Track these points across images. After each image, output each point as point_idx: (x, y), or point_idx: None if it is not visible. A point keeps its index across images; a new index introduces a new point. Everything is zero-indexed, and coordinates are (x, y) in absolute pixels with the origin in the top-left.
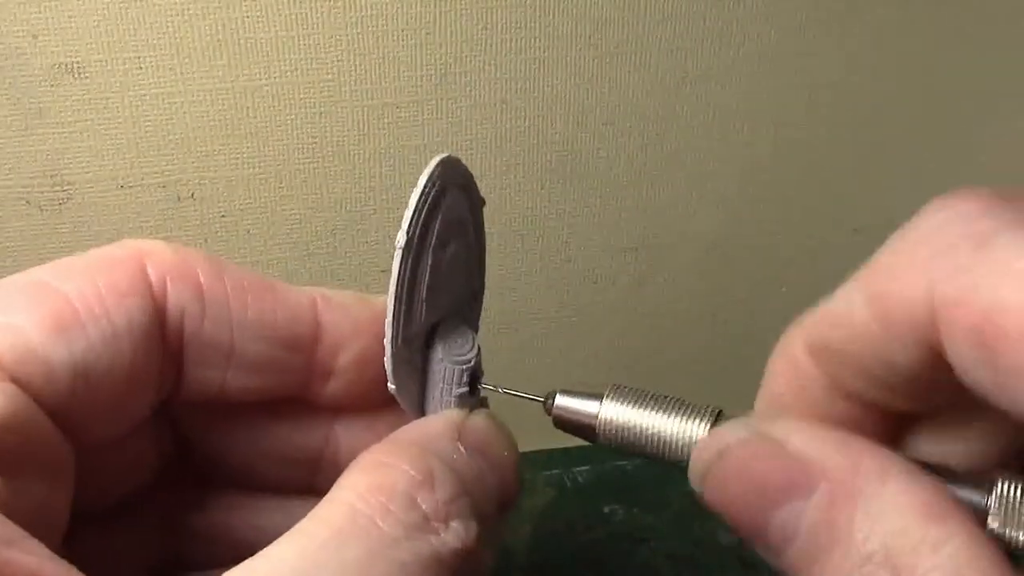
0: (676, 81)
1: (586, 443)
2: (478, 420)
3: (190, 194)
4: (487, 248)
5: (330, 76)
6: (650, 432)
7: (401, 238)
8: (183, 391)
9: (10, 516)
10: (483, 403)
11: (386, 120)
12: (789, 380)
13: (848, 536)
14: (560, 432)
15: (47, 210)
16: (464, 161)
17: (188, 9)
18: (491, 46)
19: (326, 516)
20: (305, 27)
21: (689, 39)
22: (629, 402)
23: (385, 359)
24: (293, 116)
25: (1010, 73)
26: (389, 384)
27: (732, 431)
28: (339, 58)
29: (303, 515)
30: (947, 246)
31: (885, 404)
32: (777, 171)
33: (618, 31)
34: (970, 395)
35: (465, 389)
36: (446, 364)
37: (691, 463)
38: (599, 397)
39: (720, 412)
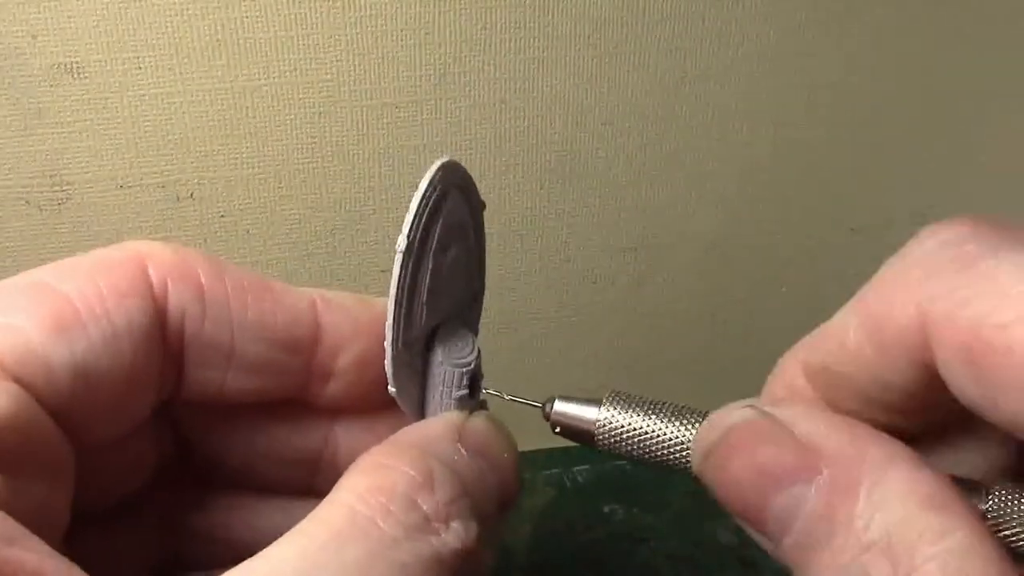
0: (675, 81)
1: None
2: (478, 422)
3: (189, 194)
4: (487, 250)
5: (329, 76)
6: (648, 438)
7: (402, 242)
8: (183, 392)
9: (11, 515)
10: (482, 405)
11: (385, 120)
12: (787, 402)
13: (848, 523)
14: None
15: (47, 210)
16: (463, 161)
17: (187, 9)
18: (490, 46)
19: (326, 517)
20: (304, 27)
21: (688, 39)
22: (627, 408)
23: (385, 362)
24: (292, 116)
25: (1009, 73)
26: (389, 387)
27: (738, 411)
28: (338, 58)
29: (303, 516)
30: (936, 269)
31: (882, 424)
32: (776, 171)
33: (617, 31)
34: (965, 412)
35: (465, 391)
36: (446, 367)
37: (695, 441)
38: (597, 403)
39: None
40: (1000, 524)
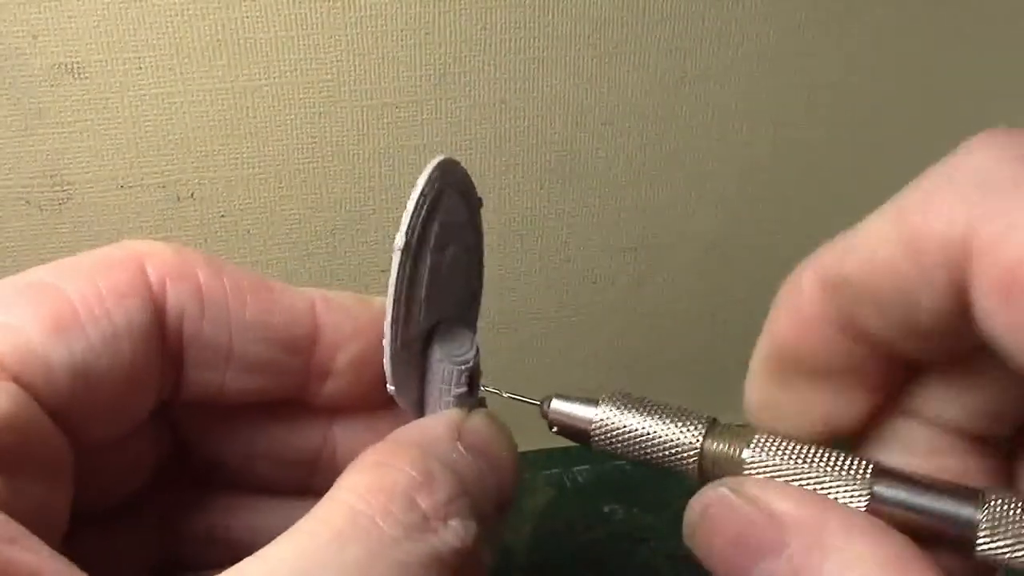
0: (675, 81)
1: None
2: (477, 420)
3: (190, 194)
4: (485, 249)
5: (330, 76)
6: (644, 438)
7: (400, 241)
8: (182, 392)
9: (10, 515)
10: (481, 403)
11: (385, 120)
12: (795, 318)
13: None
14: None
15: (47, 210)
16: (463, 161)
17: (188, 9)
18: (490, 46)
19: (325, 516)
20: (305, 27)
21: (688, 39)
22: (624, 408)
23: (384, 361)
24: (293, 116)
25: (1009, 73)
26: (388, 385)
27: (713, 490)
28: (339, 58)
29: (301, 516)
30: (990, 185)
31: (898, 349)
32: (776, 171)
33: (617, 31)
34: (985, 350)
35: (464, 389)
36: (445, 365)
37: (683, 521)
38: (595, 402)
39: (714, 420)
40: (996, 536)
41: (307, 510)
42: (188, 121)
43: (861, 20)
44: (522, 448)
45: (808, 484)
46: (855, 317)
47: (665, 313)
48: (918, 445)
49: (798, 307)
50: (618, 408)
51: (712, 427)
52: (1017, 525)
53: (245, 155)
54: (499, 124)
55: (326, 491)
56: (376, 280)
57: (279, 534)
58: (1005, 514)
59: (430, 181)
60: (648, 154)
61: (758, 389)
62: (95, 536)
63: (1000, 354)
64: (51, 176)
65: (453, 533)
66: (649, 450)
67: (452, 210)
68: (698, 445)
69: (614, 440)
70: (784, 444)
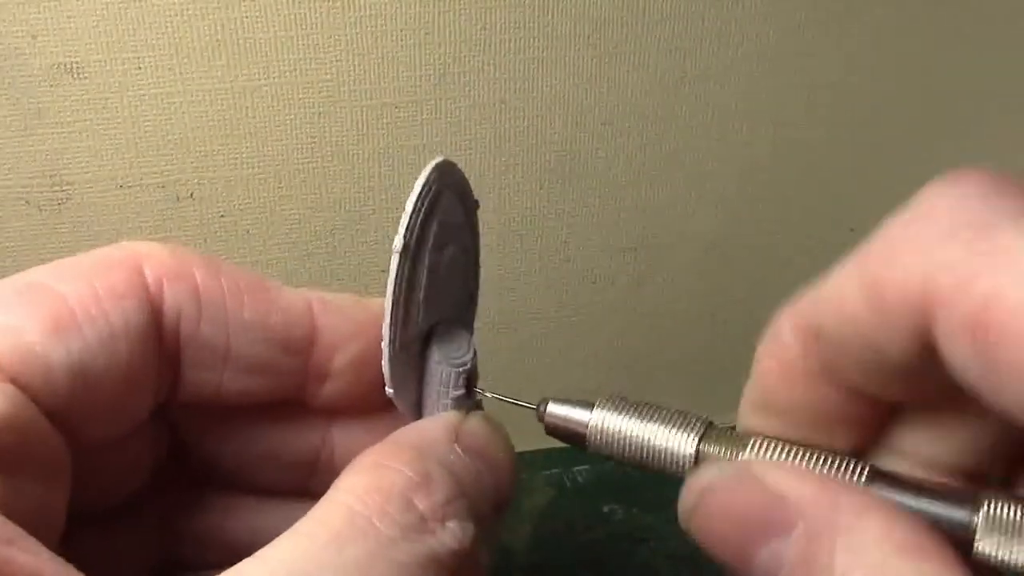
0: (675, 81)
1: None
2: (475, 422)
3: (189, 194)
4: (482, 249)
5: (329, 76)
6: (639, 441)
7: (398, 243)
8: (180, 393)
9: (8, 516)
10: (478, 404)
11: (385, 120)
12: (777, 365)
13: (828, 572)
14: None
15: (46, 210)
16: (463, 161)
17: (187, 9)
18: (490, 46)
19: (324, 517)
20: (304, 27)
21: (688, 39)
22: (620, 411)
23: (382, 362)
24: (292, 116)
25: (1009, 73)
26: (387, 387)
27: (714, 470)
28: (338, 58)
29: (300, 517)
30: (947, 233)
31: (874, 393)
32: (776, 171)
33: (617, 31)
34: (960, 390)
35: (462, 391)
36: (443, 367)
37: (679, 504)
38: (591, 406)
39: (710, 423)
40: (993, 539)
41: (306, 511)
42: (188, 121)
43: (861, 20)
44: (522, 448)
45: None
46: (831, 365)
47: (665, 313)
48: None
49: (780, 355)
50: (613, 411)
51: (708, 431)
52: (1014, 527)
53: (245, 155)
54: (499, 124)
55: (324, 492)
56: (376, 280)
57: (278, 535)
58: (1001, 516)
59: (428, 183)
60: (648, 154)
61: (747, 427)
62: (94, 537)
63: (975, 394)
64: (51, 176)
65: (450, 534)
66: (644, 454)
67: (450, 212)
68: (693, 449)
69: (609, 444)
70: (780, 447)
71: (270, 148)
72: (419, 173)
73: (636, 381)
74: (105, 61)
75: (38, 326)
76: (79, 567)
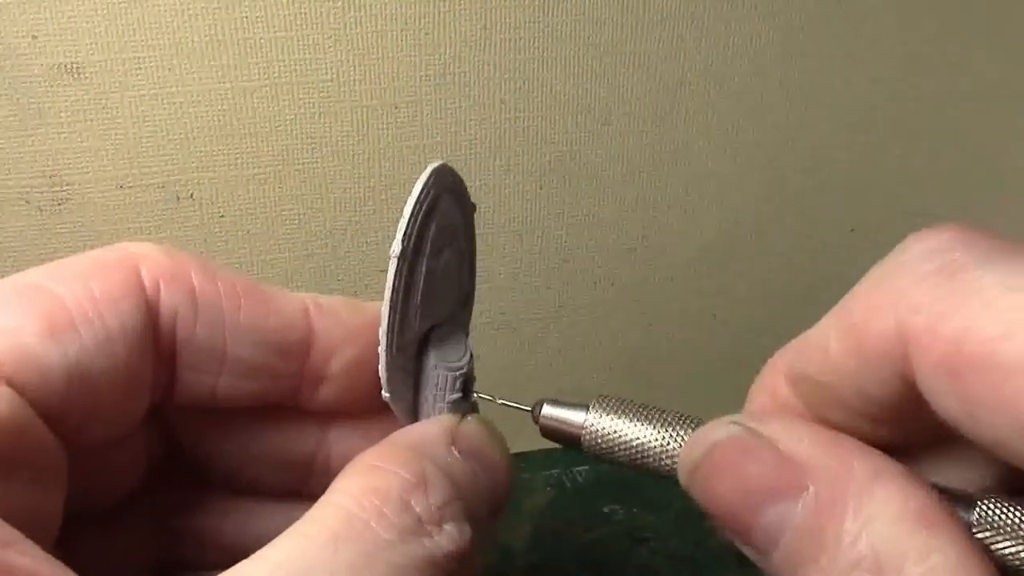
0: (675, 81)
1: None
2: (472, 425)
3: (189, 194)
4: (480, 251)
5: (330, 76)
6: (634, 443)
7: (396, 247)
8: (176, 395)
9: (4, 518)
10: (473, 407)
11: (385, 120)
12: (769, 408)
13: (836, 540)
14: None
15: (46, 210)
16: (462, 161)
17: (188, 9)
18: (490, 46)
19: (321, 519)
20: (304, 27)
21: (688, 39)
22: (614, 412)
23: (380, 367)
24: (293, 116)
25: (1009, 73)
26: (384, 392)
27: (722, 427)
28: (339, 58)
29: (297, 519)
30: (920, 278)
31: (865, 436)
32: (776, 171)
33: (617, 31)
34: (948, 427)
35: (458, 395)
36: (440, 371)
37: (680, 458)
38: (586, 407)
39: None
40: (988, 537)
41: (303, 513)
42: (188, 121)
43: (861, 20)
44: (522, 448)
45: None
46: (821, 410)
47: (665, 313)
48: None
49: (771, 399)
50: (608, 413)
51: None
52: (1009, 528)
53: (245, 155)
54: (499, 124)
55: (321, 495)
56: (376, 280)
57: (276, 537)
58: (996, 517)
59: (426, 188)
60: (648, 154)
61: None
62: (90, 537)
63: (957, 429)
64: (51, 176)
65: (447, 537)
66: (639, 455)
67: (447, 216)
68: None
69: (604, 445)
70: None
71: (270, 148)
72: (418, 174)
73: (636, 381)
74: (105, 61)
75: (35, 327)
76: (75, 568)
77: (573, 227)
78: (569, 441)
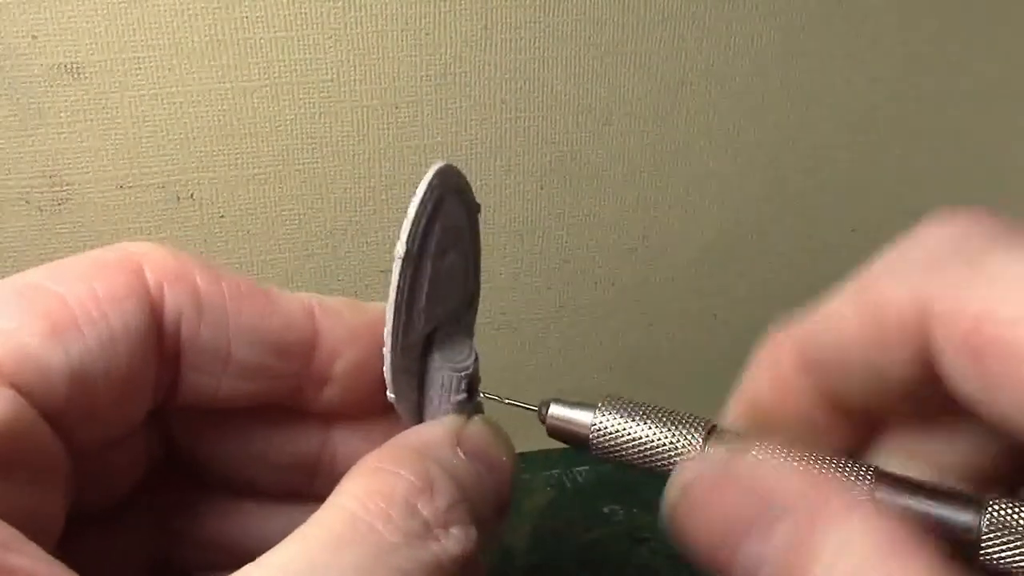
0: (675, 81)
1: None
2: (477, 426)
3: (189, 194)
4: (483, 251)
5: (330, 76)
6: (642, 444)
7: (400, 249)
8: (178, 396)
9: (5, 519)
10: (478, 408)
11: (386, 120)
12: (772, 385)
13: (812, 571)
14: None
15: (46, 210)
16: (463, 161)
17: (188, 9)
18: (491, 46)
19: (325, 522)
20: (304, 27)
21: (688, 39)
22: (622, 413)
23: (384, 369)
24: (293, 116)
25: (1009, 73)
26: (388, 393)
27: (698, 464)
28: (339, 58)
29: (301, 522)
30: (942, 259)
31: (872, 413)
32: (776, 171)
33: (618, 31)
34: (958, 407)
35: (463, 396)
36: (444, 372)
37: (664, 498)
38: (593, 407)
39: (714, 426)
40: (996, 539)
41: (307, 516)
42: (188, 121)
43: (861, 20)
44: (522, 449)
45: None
46: (829, 387)
47: (665, 313)
48: None
49: (776, 374)
50: (616, 413)
51: (711, 433)
52: (1019, 529)
53: (245, 155)
54: (499, 124)
55: (326, 497)
56: (376, 280)
57: (279, 539)
58: (1007, 519)
59: (430, 188)
60: (648, 154)
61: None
62: (90, 538)
63: (973, 410)
64: (51, 176)
65: (454, 540)
66: (647, 456)
67: (451, 217)
68: (697, 452)
69: (612, 445)
70: (785, 451)
71: (270, 148)
72: (420, 174)
73: (636, 381)
74: (105, 61)
75: (37, 328)
76: (76, 569)
77: (574, 227)
78: (576, 441)
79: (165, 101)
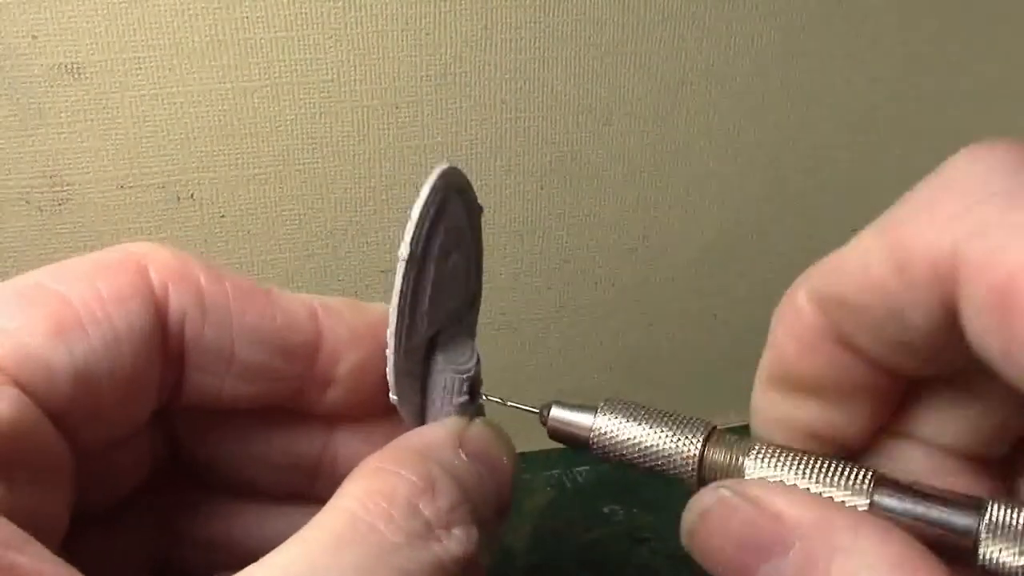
0: (675, 81)
1: None
2: (479, 428)
3: (190, 195)
4: (484, 251)
5: (330, 76)
6: (643, 446)
7: (404, 251)
8: (182, 396)
9: (10, 519)
10: (479, 409)
11: (386, 120)
12: (793, 335)
13: None
14: None
15: (47, 210)
16: (463, 161)
17: (188, 9)
18: (491, 46)
19: (328, 522)
20: (304, 27)
21: (688, 39)
22: (623, 416)
23: (387, 371)
24: (293, 116)
25: (1009, 73)
26: (391, 395)
27: (712, 492)
28: (339, 58)
29: (303, 523)
30: (975, 202)
31: (892, 364)
32: (776, 171)
33: (618, 31)
34: (978, 367)
35: (465, 398)
36: (447, 374)
37: (681, 523)
38: (594, 409)
39: (714, 428)
40: (996, 544)
41: (309, 517)
42: (188, 121)
43: (862, 20)
44: (522, 449)
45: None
46: (850, 334)
47: (666, 313)
48: (916, 466)
49: (796, 325)
50: (617, 416)
51: (711, 435)
52: (1017, 532)
53: (245, 155)
54: (499, 124)
55: (328, 498)
56: (377, 281)
57: (281, 540)
58: (1006, 522)
59: (434, 190)
60: (649, 154)
61: (764, 401)
62: (94, 538)
63: (994, 369)
64: (51, 176)
65: (456, 541)
66: (648, 458)
67: (455, 218)
68: (697, 454)
69: (613, 448)
70: (784, 453)
71: (271, 148)
72: (420, 174)
73: (636, 381)
74: (106, 61)
75: (41, 328)
76: (80, 568)
77: (574, 227)
78: (577, 443)
79: (165, 101)
